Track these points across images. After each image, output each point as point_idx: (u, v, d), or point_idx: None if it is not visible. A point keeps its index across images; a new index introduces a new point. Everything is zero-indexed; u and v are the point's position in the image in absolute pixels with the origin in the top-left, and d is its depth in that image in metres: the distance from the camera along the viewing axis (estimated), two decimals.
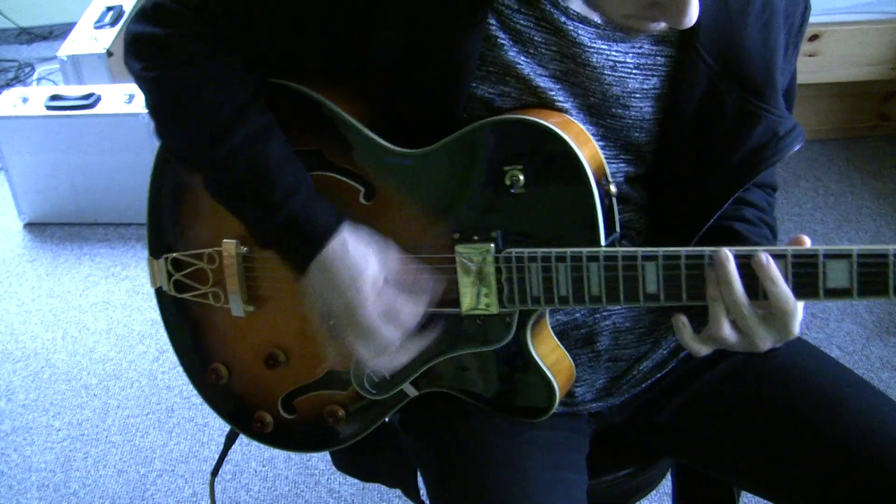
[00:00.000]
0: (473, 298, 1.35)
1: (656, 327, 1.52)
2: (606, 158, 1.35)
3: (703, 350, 1.28)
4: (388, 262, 1.34)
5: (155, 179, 1.55)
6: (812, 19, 3.44)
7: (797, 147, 1.35)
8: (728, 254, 1.19)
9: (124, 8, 4.29)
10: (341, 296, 1.31)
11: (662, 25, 1.22)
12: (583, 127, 1.34)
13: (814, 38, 3.47)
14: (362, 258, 1.32)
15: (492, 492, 1.37)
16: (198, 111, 1.34)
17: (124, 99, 3.56)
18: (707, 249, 1.22)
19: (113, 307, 3.32)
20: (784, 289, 1.18)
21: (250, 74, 1.37)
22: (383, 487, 1.84)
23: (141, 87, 1.40)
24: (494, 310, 1.34)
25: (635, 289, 1.26)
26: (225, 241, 1.49)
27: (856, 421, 1.41)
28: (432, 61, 1.29)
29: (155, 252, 1.58)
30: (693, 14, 1.15)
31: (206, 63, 1.35)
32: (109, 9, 4.27)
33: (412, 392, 1.46)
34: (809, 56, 3.51)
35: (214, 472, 1.81)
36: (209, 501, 1.84)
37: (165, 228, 1.57)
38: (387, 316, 1.33)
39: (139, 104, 3.48)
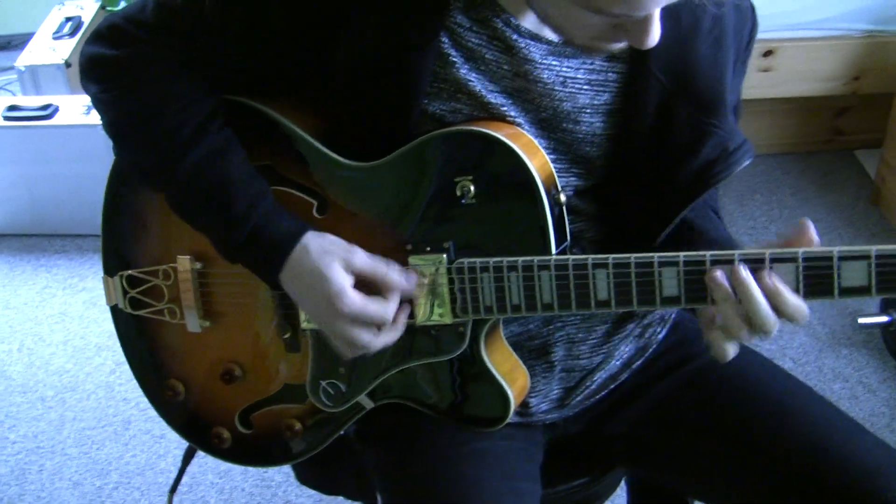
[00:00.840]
0: (427, 309, 1.36)
1: (609, 339, 1.54)
2: (557, 171, 1.37)
3: (731, 351, 1.29)
4: (354, 262, 1.33)
5: (109, 197, 1.55)
6: (767, 35, 3.52)
7: (747, 162, 1.37)
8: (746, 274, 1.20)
9: (83, 19, 4.27)
10: (318, 294, 1.31)
11: (623, 45, 1.24)
12: (532, 138, 1.35)
13: (768, 53, 3.51)
14: (325, 250, 1.32)
15: (443, 498, 1.38)
16: (159, 131, 1.35)
17: (82, 110, 3.54)
18: (656, 255, 1.24)
19: (70, 319, 3.30)
20: (798, 303, 1.20)
21: (209, 92, 1.38)
22: (340, 498, 1.84)
23: (98, 109, 1.41)
24: (448, 320, 1.36)
25: (586, 296, 1.28)
26: (179, 257, 1.49)
27: (802, 432, 1.43)
28: (385, 79, 1.31)
29: (110, 270, 1.58)
30: (655, 35, 1.17)
31: (165, 83, 1.36)
32: (68, 19, 4.26)
33: (368, 404, 1.46)
34: (764, 71, 3.55)
35: (173, 489, 1.81)
36: None
37: (120, 246, 1.57)
38: (376, 284, 1.33)
39: (97, 115, 3.47)
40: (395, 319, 1.35)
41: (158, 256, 1.53)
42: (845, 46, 3.56)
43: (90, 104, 3.50)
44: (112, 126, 1.41)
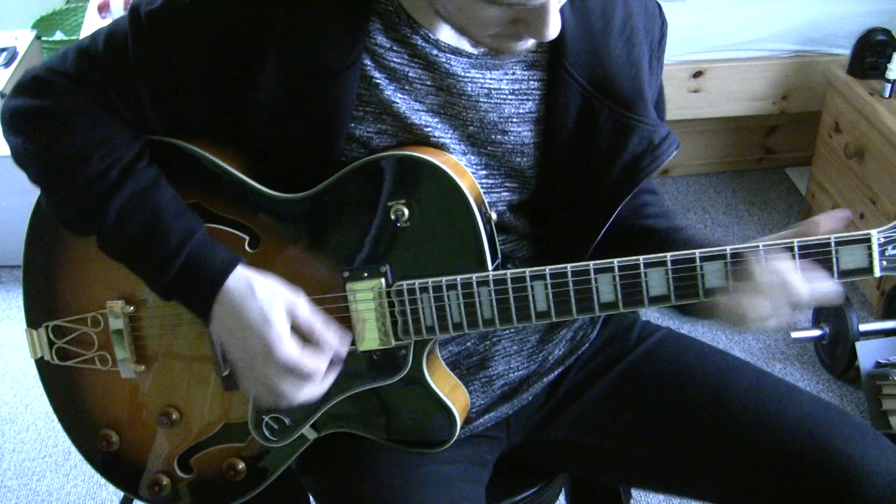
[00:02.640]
0: (368, 335, 1.36)
1: (544, 345, 1.56)
2: (490, 187, 1.39)
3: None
4: (298, 312, 1.33)
5: (29, 245, 1.53)
6: (696, 56, 3.58)
7: (673, 152, 1.40)
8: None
9: (18, 49, 4.24)
10: (256, 334, 1.30)
11: (530, 44, 1.25)
12: (460, 159, 1.37)
13: (698, 74, 3.57)
14: (270, 291, 1.32)
15: None
16: (86, 179, 1.34)
17: None
18: (591, 263, 1.27)
19: (9, 350, 3.26)
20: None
21: (134, 136, 1.38)
22: None
23: (23, 161, 1.40)
24: (390, 343, 1.36)
25: (526, 308, 1.30)
26: (109, 302, 1.47)
27: (741, 405, 1.48)
28: (310, 105, 1.31)
29: (33, 322, 1.54)
30: (554, 25, 1.17)
31: (89, 130, 1.35)
32: (2, 50, 4.23)
33: (312, 435, 1.45)
34: (694, 92, 3.60)
35: None
36: None
37: (43, 295, 1.53)
38: (306, 345, 1.33)
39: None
40: (323, 378, 1.35)
41: (86, 303, 1.50)
42: (773, 67, 3.63)
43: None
44: (38, 177, 1.40)
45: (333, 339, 1.34)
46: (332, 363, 1.36)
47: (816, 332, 3.01)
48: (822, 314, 3.03)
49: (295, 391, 1.33)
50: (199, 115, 1.36)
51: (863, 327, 2.91)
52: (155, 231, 1.33)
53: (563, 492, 1.90)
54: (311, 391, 1.34)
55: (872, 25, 3.32)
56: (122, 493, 1.65)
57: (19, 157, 1.40)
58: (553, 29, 1.18)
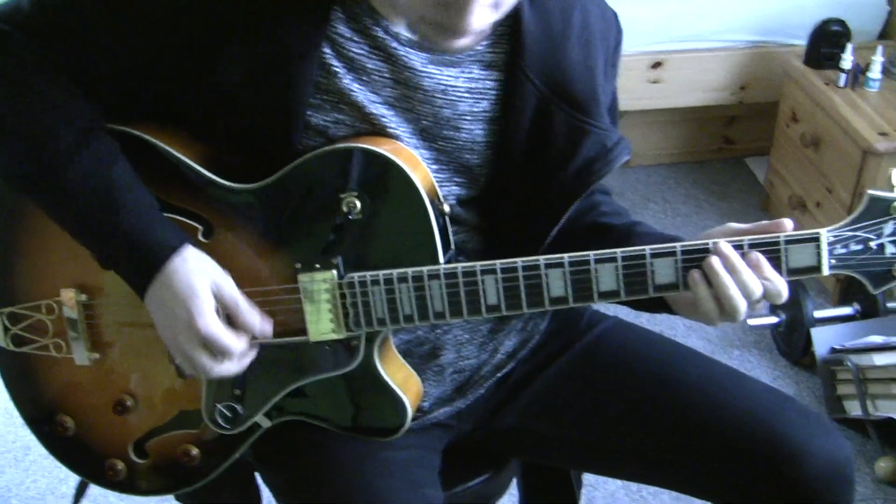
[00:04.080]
0: (320, 325, 1.37)
1: (494, 335, 1.58)
2: (440, 181, 1.40)
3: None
4: (222, 289, 1.35)
5: None
6: (655, 47, 3.61)
7: (625, 158, 1.42)
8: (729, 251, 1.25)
9: None
10: (181, 303, 1.32)
11: (463, 43, 1.25)
12: (413, 152, 1.38)
13: (657, 65, 3.59)
14: (200, 267, 1.34)
15: None
16: (39, 138, 1.33)
17: None
18: (542, 258, 1.29)
19: None
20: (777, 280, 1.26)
21: (90, 103, 1.36)
22: None
23: None
24: (341, 335, 1.37)
25: (477, 302, 1.32)
26: (63, 289, 1.47)
27: (688, 391, 1.51)
28: (269, 91, 1.32)
29: None
30: (475, 17, 1.18)
31: (44, 88, 1.34)
32: None
33: (265, 423, 1.46)
34: (654, 83, 3.63)
35: None
36: None
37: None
38: (232, 317, 1.35)
39: None
40: (241, 357, 1.37)
41: (40, 291, 1.50)
42: (731, 57, 3.66)
43: None
44: None
45: (255, 320, 1.36)
46: (249, 349, 1.38)
47: (773, 320, 3.05)
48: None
49: (211, 365, 1.35)
50: (155, 88, 1.36)
51: (818, 314, 2.94)
52: (111, 201, 1.33)
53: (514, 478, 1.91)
54: (227, 367, 1.36)
55: (828, 16, 3.35)
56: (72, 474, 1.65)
57: None
58: (472, 19, 1.18)
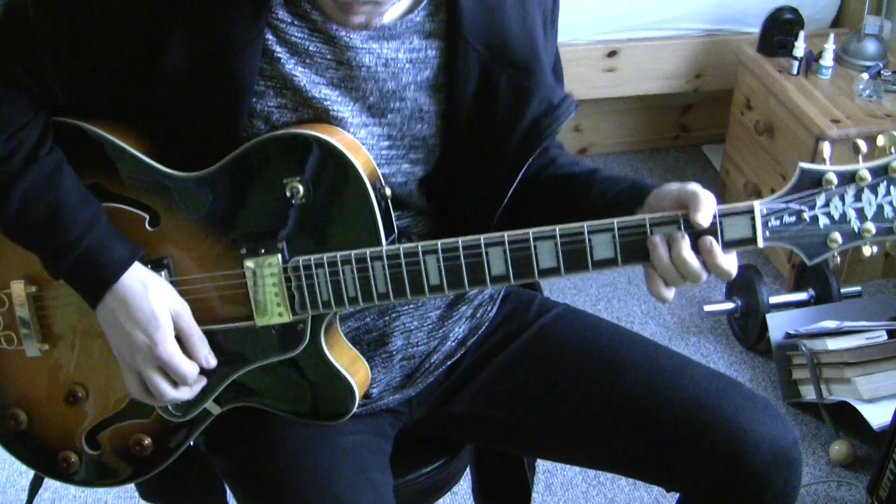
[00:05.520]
0: (266, 310, 1.38)
1: (444, 322, 1.59)
2: (393, 159, 1.43)
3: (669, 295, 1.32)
4: (181, 318, 1.38)
5: None
6: (610, 36, 3.63)
7: (571, 113, 1.44)
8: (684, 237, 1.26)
9: None
10: (142, 330, 1.35)
11: (360, 19, 1.29)
12: (358, 132, 1.40)
13: (612, 54, 3.60)
14: (162, 294, 1.36)
15: (301, 494, 1.41)
16: None
17: None
18: (482, 237, 1.30)
19: None
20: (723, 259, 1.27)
21: (38, 114, 1.37)
22: None
23: None
24: (287, 318, 1.38)
25: (419, 282, 1.34)
26: (13, 282, 1.47)
27: (635, 377, 1.52)
28: (214, 80, 1.33)
29: None
30: None
31: None
32: None
33: (215, 410, 1.47)
34: (609, 71, 3.64)
35: None
36: None
37: None
38: (185, 346, 1.38)
39: None
40: (194, 384, 1.41)
41: None
42: (686, 46, 3.68)
43: None
44: None
45: (206, 352, 1.40)
46: (200, 378, 1.41)
47: (729, 306, 3.08)
48: (734, 288, 3.09)
49: (167, 389, 1.39)
50: (102, 88, 1.37)
51: (773, 300, 2.98)
52: (55, 219, 1.34)
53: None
54: (181, 394, 1.40)
55: (781, 4, 3.38)
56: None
57: None
58: None
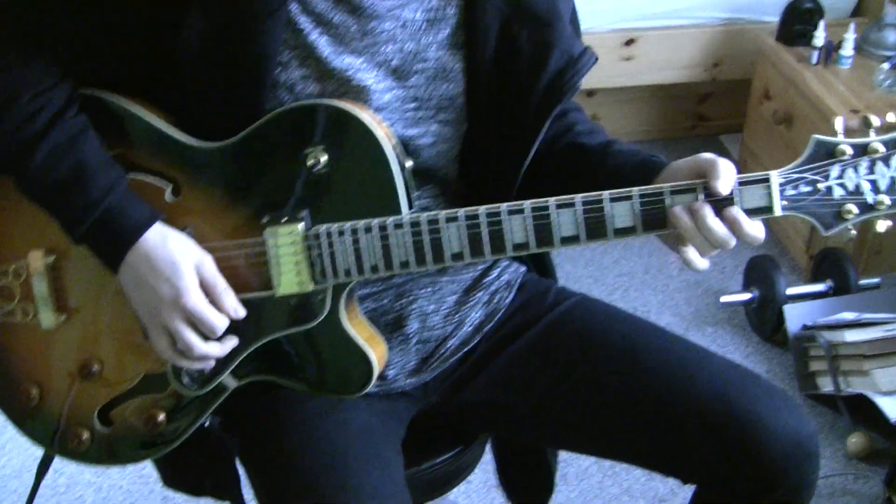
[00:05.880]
0: (286, 279, 1.38)
1: (460, 307, 1.59)
2: (422, 121, 1.45)
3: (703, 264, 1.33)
4: (204, 268, 1.37)
5: None
6: (627, 24, 3.61)
7: (593, 64, 1.45)
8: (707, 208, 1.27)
9: None
10: (165, 281, 1.34)
11: None
12: (384, 97, 1.41)
13: (630, 42, 3.58)
14: (182, 245, 1.36)
15: (311, 468, 1.40)
16: (14, 119, 1.34)
17: None
18: (503, 206, 1.31)
19: None
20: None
21: (63, 79, 1.38)
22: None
23: None
24: (308, 288, 1.38)
25: (440, 250, 1.34)
26: (31, 251, 1.47)
27: (651, 367, 1.51)
28: (238, 50, 1.34)
29: None
30: None
31: (22, 68, 1.35)
32: None
33: (231, 383, 1.47)
34: (626, 60, 3.62)
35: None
36: None
37: None
38: (211, 297, 1.36)
39: None
40: (221, 338, 1.39)
41: (7, 255, 1.50)
42: (704, 34, 3.65)
43: None
44: None
45: (233, 302, 1.38)
46: (227, 332, 1.39)
47: (746, 296, 3.06)
48: (751, 278, 3.07)
49: (196, 342, 1.36)
50: (128, 56, 1.39)
51: (790, 291, 2.96)
52: (78, 180, 1.34)
53: (490, 457, 1.92)
54: (209, 349, 1.38)
55: None
56: (57, 463, 1.64)
57: None
58: None
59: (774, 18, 3.47)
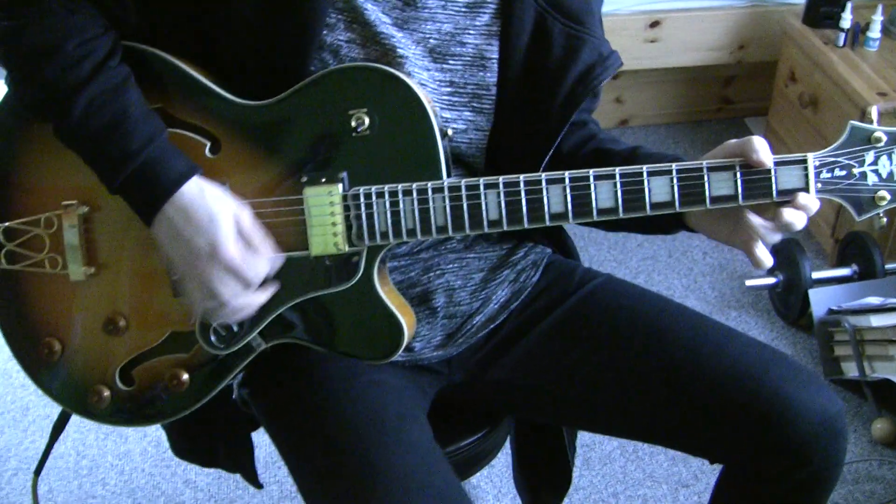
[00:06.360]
0: (322, 239, 1.38)
1: (486, 284, 1.60)
2: (456, 106, 1.46)
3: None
4: (242, 219, 1.36)
5: None
6: (652, 6, 3.59)
7: (620, 65, 1.49)
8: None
9: None
10: (203, 234, 1.33)
11: None
12: (420, 74, 1.43)
13: (655, 24, 3.56)
14: (220, 198, 1.35)
15: (350, 423, 1.41)
16: (59, 65, 1.34)
17: None
18: (543, 174, 1.33)
19: None
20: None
21: (108, 30, 1.38)
22: (238, 477, 1.84)
23: None
24: (343, 249, 1.38)
25: (479, 216, 1.35)
26: (65, 202, 1.46)
27: (679, 346, 1.52)
28: (286, 8, 1.35)
29: None
30: None
31: (68, 15, 1.35)
32: None
33: (259, 345, 1.46)
34: (651, 42, 3.60)
35: (37, 471, 1.74)
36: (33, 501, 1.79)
37: None
38: (249, 250, 1.36)
39: None
40: (258, 288, 1.38)
41: (40, 204, 1.49)
42: (730, 17, 3.63)
43: None
44: (9, 58, 1.38)
45: (270, 254, 1.38)
46: (265, 281, 1.38)
47: (770, 280, 3.05)
48: (776, 262, 3.05)
49: (233, 295, 1.36)
50: (175, 13, 1.40)
51: (816, 275, 2.94)
52: (119, 129, 1.34)
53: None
54: (246, 300, 1.37)
55: None
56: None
57: None
58: None
59: (800, 0, 3.45)
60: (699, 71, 3.89)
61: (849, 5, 3.20)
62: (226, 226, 1.33)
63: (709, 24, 3.63)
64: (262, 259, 1.37)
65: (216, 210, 1.33)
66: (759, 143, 1.29)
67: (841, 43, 3.22)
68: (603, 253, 3.39)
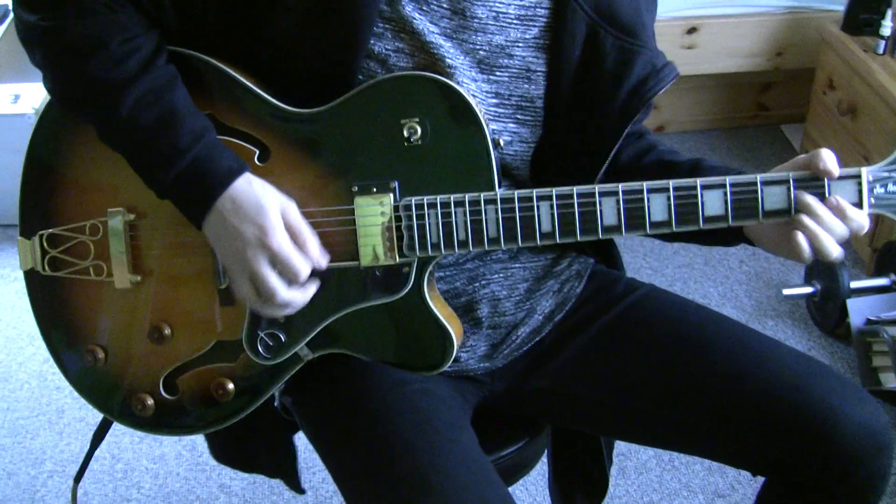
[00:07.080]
0: (372, 250, 1.38)
1: (531, 294, 1.59)
2: (500, 116, 1.45)
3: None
4: (289, 212, 1.35)
5: (30, 153, 1.50)
6: (689, 12, 3.57)
7: (675, 77, 1.46)
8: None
9: (10, 7, 4.21)
10: (251, 222, 1.32)
11: None
12: (468, 85, 1.41)
13: (692, 30, 3.56)
14: (267, 189, 1.35)
15: (401, 431, 1.39)
16: (104, 62, 1.33)
17: (10, 99, 3.48)
18: (597, 187, 1.32)
19: (2, 309, 3.24)
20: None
21: (151, 30, 1.38)
22: (274, 482, 1.83)
23: (35, 39, 1.38)
24: (393, 260, 1.38)
25: (531, 228, 1.34)
26: (110, 209, 1.46)
27: (722, 358, 1.51)
28: (334, 16, 1.34)
29: (26, 232, 1.51)
30: None
31: (110, 14, 1.35)
32: None
33: (307, 355, 1.45)
34: (688, 48, 3.59)
35: (77, 478, 1.75)
36: None
37: (41, 204, 1.51)
38: (296, 242, 1.35)
39: (25, 104, 3.44)
40: (304, 285, 1.37)
41: (85, 211, 1.48)
42: (767, 23, 3.62)
43: (17, 93, 3.50)
44: (50, 57, 1.38)
45: (317, 249, 1.37)
46: (312, 276, 1.37)
47: (808, 290, 3.02)
48: (813, 272, 3.03)
49: (280, 288, 1.34)
50: (221, 20, 1.39)
51: (854, 284, 2.92)
52: (168, 126, 1.34)
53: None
54: (293, 295, 1.36)
55: None
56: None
57: (32, 34, 1.38)
58: None
59: (840, 7, 3.44)
60: (736, 77, 3.87)
61: (889, 12, 3.18)
62: (273, 214, 1.33)
63: (746, 31, 3.62)
64: (309, 254, 1.36)
65: (264, 199, 1.33)
66: (826, 154, 1.28)
67: (881, 50, 3.19)
68: (639, 260, 3.38)
